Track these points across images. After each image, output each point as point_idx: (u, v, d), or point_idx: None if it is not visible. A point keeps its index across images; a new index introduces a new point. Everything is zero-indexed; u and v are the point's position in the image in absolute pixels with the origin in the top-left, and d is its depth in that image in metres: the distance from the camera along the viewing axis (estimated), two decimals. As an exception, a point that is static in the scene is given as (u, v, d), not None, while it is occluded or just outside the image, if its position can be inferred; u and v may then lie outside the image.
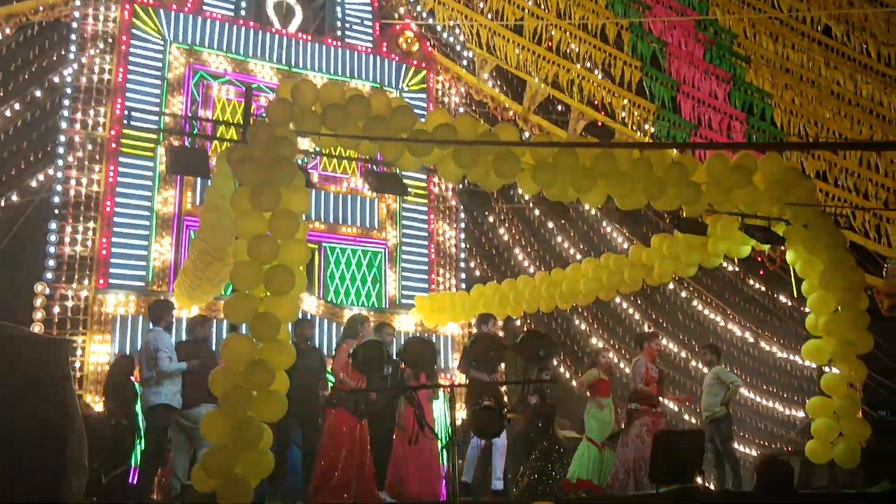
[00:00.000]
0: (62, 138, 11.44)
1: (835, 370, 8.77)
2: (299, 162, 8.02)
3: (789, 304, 15.94)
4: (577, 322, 16.23)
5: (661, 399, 9.55)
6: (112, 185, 11.48)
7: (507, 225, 16.20)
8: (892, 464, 8.38)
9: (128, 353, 10.14)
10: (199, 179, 11.63)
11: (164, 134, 11.45)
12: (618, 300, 15.74)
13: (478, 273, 15.30)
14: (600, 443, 9.36)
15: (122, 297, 11.12)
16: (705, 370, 10.44)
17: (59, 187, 11.25)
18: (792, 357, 16.49)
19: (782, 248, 9.79)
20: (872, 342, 8.64)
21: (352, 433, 8.05)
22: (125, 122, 10.89)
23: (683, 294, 16.70)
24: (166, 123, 12.15)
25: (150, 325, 8.61)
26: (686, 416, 16.70)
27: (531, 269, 15.21)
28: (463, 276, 14.02)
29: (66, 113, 11.54)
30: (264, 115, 7.37)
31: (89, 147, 11.53)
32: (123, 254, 11.41)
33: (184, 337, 8.98)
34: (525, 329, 13.38)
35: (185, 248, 11.55)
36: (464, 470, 8.99)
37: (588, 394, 9.67)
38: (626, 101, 13.00)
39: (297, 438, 8.49)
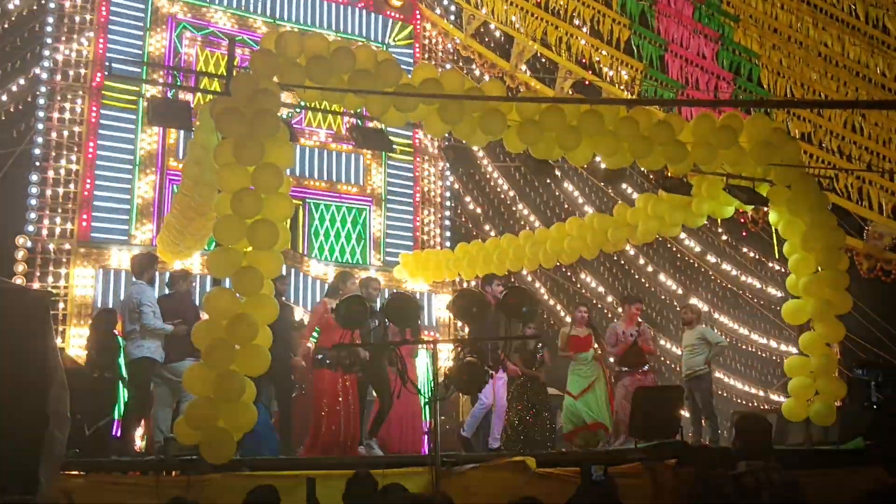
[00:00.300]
0: (42, 89, 11.29)
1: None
2: (283, 116, 7.94)
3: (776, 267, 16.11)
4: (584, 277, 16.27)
5: (646, 359, 9.66)
6: (94, 127, 11.40)
7: (492, 183, 16.15)
8: (866, 422, 8.53)
9: (111, 306, 10.13)
10: (182, 133, 11.52)
11: (145, 85, 11.30)
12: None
13: (463, 231, 15.30)
14: (576, 393, 9.51)
15: (104, 242, 11.10)
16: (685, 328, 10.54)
17: (40, 126, 11.13)
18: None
19: (765, 209, 9.83)
20: (851, 303, 8.75)
21: (336, 390, 8.10)
22: (106, 72, 10.72)
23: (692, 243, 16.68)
24: (148, 74, 11.98)
25: (133, 279, 8.57)
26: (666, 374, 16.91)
27: (516, 227, 15.21)
28: (448, 234, 14.02)
29: (46, 63, 11.36)
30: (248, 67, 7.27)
31: (69, 95, 11.39)
32: (106, 197, 11.36)
33: (166, 291, 8.95)
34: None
35: (168, 193, 11.54)
36: (467, 426, 9.11)
37: (570, 353, 9.77)
38: (613, 60, 12.89)
39: (266, 396, 8.47)
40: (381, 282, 9.51)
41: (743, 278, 16.98)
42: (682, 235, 14.60)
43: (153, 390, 8.14)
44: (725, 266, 16.92)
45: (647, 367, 9.64)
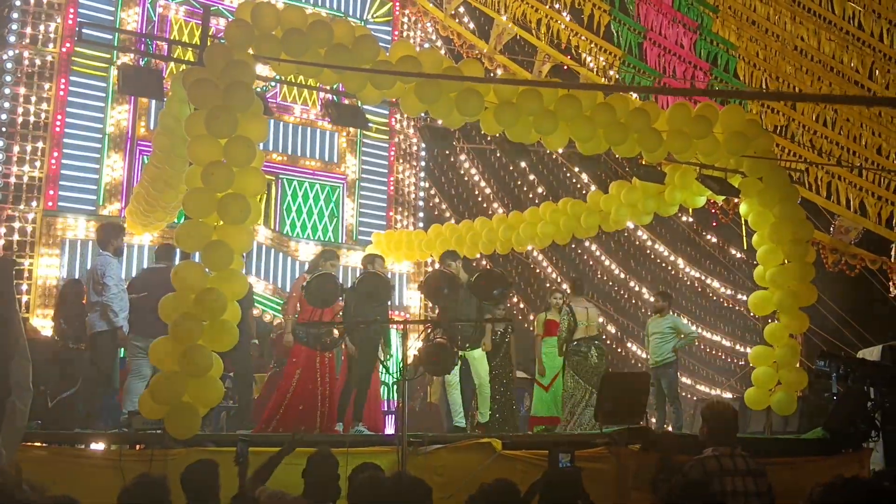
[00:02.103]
0: (10, 53, 11.01)
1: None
2: (258, 90, 7.83)
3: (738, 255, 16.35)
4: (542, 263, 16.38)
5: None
6: (62, 101, 11.14)
7: (467, 165, 16.13)
8: (826, 412, 8.69)
9: (77, 276, 9.98)
10: (153, 102, 11.34)
11: (117, 52, 11.07)
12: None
13: (436, 212, 15.28)
14: (546, 384, 9.56)
15: (71, 220, 10.89)
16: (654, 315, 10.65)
17: (6, 105, 10.85)
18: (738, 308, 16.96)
19: (736, 200, 9.92)
20: (816, 295, 8.88)
21: (313, 367, 8.06)
22: (76, 37, 10.51)
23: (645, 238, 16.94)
24: (120, 41, 11.74)
25: (99, 250, 8.41)
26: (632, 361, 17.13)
27: (490, 211, 15.23)
28: (421, 214, 13.99)
29: (14, 27, 11.08)
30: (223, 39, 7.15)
31: (38, 63, 11.12)
32: (73, 176, 11.15)
33: (146, 265, 8.79)
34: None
35: (137, 171, 11.34)
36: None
37: (543, 335, 9.83)
38: (592, 45, 12.87)
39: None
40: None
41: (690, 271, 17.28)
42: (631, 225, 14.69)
43: (129, 361, 8.02)
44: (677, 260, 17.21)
45: None
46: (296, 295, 8.42)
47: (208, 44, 7.07)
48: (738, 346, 17.54)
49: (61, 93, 11.12)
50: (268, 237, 12.12)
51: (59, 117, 11.07)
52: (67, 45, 11.18)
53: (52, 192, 10.92)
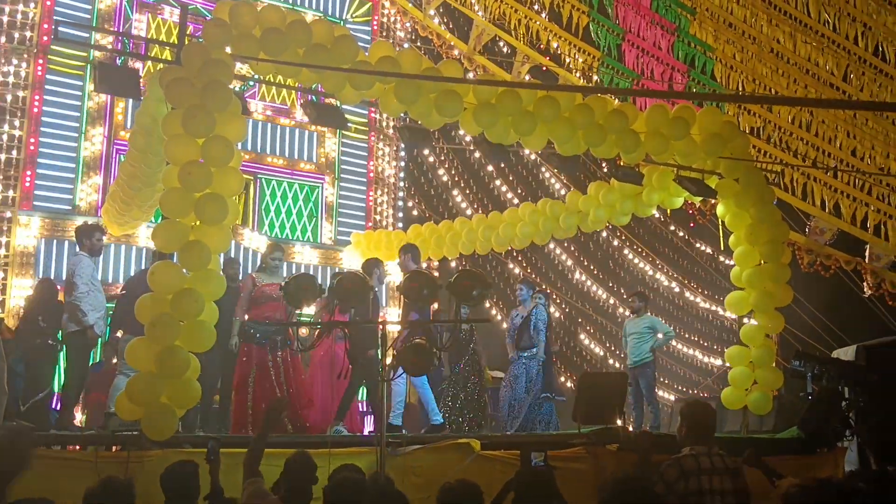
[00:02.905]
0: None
1: (754, 321, 9.10)
2: (236, 88, 7.78)
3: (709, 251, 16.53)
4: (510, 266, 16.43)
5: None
6: (40, 87, 11.08)
7: (447, 165, 16.13)
8: (801, 412, 8.77)
9: (53, 270, 9.96)
10: (130, 100, 11.29)
11: (93, 51, 10.99)
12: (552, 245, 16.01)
13: (416, 213, 15.27)
14: None
15: (46, 221, 10.82)
16: (631, 316, 10.71)
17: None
18: (714, 307, 17.11)
19: (713, 201, 10.00)
20: (791, 295, 8.98)
21: (265, 366, 7.95)
22: (53, 36, 10.41)
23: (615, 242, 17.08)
24: (96, 40, 11.64)
25: (76, 249, 8.30)
26: (611, 361, 17.21)
27: (469, 211, 15.24)
28: (401, 214, 13.97)
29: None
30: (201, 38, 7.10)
31: (14, 61, 11.03)
32: (49, 175, 11.10)
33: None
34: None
35: (115, 166, 11.32)
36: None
37: None
38: (571, 46, 12.93)
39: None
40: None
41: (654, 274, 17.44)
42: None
43: (118, 360, 7.93)
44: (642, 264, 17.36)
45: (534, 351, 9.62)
46: (246, 293, 8.22)
47: (186, 42, 7.01)
48: (715, 347, 17.68)
49: (38, 76, 11.08)
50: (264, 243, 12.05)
51: (37, 102, 11.10)
52: (45, 37, 11.11)
53: (28, 180, 10.92)
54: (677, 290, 17.68)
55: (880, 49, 12.31)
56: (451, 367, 9.37)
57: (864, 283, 12.17)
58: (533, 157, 15.33)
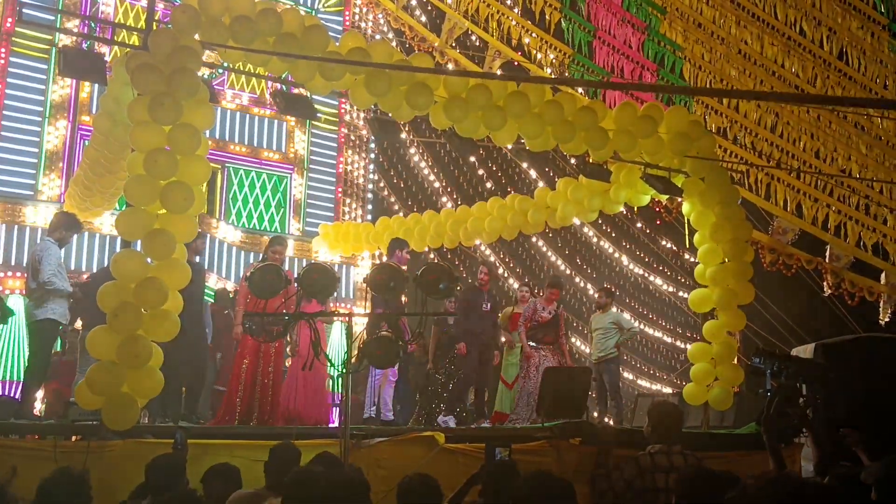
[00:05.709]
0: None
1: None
2: (204, 76, 7.69)
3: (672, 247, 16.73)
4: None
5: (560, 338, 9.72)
6: (2, 73, 10.92)
7: (417, 158, 16.11)
8: (761, 408, 8.92)
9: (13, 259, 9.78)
10: (95, 84, 11.11)
11: (58, 34, 10.80)
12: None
13: (385, 205, 15.24)
14: (510, 381, 9.68)
15: (8, 207, 10.62)
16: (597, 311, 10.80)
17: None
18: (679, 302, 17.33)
19: (679, 199, 10.11)
20: (753, 293, 9.12)
21: (257, 358, 7.98)
22: (17, 17, 10.20)
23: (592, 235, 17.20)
24: (62, 22, 11.43)
25: (45, 235, 8.11)
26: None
27: (438, 205, 15.24)
28: (370, 206, 13.93)
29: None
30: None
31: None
32: (11, 158, 10.88)
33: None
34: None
35: (78, 153, 11.15)
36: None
37: (509, 329, 9.91)
38: (542, 43, 12.97)
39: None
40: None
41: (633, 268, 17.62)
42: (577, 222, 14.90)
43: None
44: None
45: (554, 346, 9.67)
46: (244, 285, 8.27)
47: (153, 28, 6.91)
48: (678, 343, 17.91)
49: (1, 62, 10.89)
50: (238, 238, 11.94)
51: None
52: (9, 21, 10.87)
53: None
54: (643, 285, 17.88)
55: (845, 53, 12.53)
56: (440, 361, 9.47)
57: (825, 283, 12.39)
58: (510, 146, 15.35)
